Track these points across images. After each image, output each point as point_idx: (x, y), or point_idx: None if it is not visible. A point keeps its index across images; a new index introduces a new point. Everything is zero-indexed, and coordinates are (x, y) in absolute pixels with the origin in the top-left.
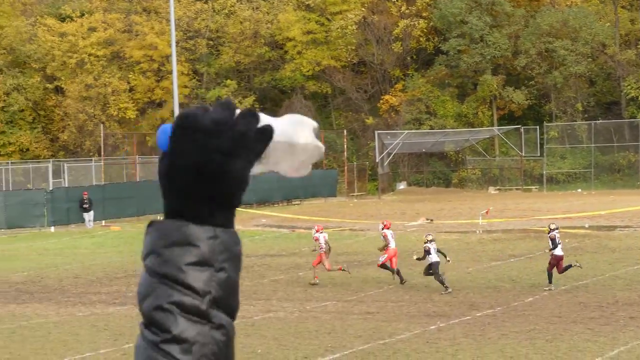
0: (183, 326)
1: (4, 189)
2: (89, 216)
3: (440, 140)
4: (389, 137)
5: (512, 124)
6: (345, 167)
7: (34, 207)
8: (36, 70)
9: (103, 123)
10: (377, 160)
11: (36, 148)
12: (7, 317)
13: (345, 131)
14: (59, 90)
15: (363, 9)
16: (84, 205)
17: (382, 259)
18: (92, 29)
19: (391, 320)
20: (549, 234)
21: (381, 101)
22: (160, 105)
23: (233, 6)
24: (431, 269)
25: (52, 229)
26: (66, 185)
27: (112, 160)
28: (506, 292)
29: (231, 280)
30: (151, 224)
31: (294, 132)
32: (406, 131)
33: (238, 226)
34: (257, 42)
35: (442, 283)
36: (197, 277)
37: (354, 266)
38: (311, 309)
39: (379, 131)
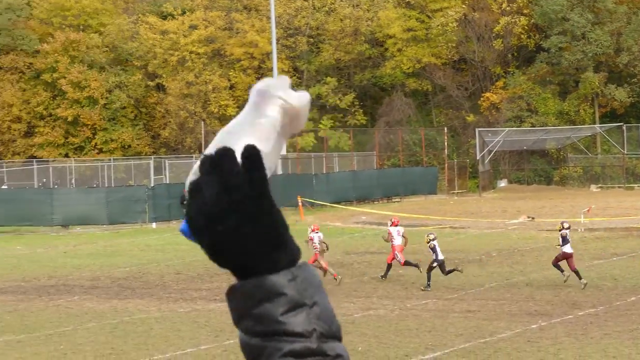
0: None
1: (106, 185)
2: None
3: (541, 138)
4: (489, 134)
5: (614, 121)
6: (446, 165)
7: (136, 203)
8: (138, 67)
9: (204, 120)
10: (477, 158)
11: (138, 145)
12: (109, 312)
13: (445, 129)
14: (160, 87)
15: (463, 6)
16: (184, 202)
17: (400, 257)
18: (193, 27)
19: (492, 318)
20: (560, 231)
21: (482, 98)
22: None
23: (333, 3)
24: (434, 265)
25: (154, 225)
26: (167, 182)
27: None
28: (608, 291)
29: (326, 309)
30: (230, 291)
31: (261, 115)
32: (507, 129)
33: (338, 223)
34: (357, 40)
35: (447, 272)
36: (297, 322)
37: (454, 264)
38: (411, 307)
39: (480, 129)
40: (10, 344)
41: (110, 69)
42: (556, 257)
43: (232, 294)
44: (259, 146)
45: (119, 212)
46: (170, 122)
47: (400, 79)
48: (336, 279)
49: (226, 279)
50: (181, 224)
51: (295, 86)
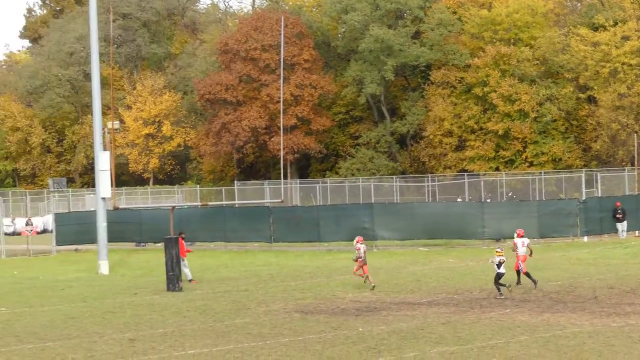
0: None
1: (537, 198)
2: (622, 226)
3: None
4: None
5: None
6: None
7: (567, 216)
8: (569, 80)
9: (636, 132)
10: None
11: (569, 158)
12: (541, 325)
13: None
14: (591, 99)
15: None
16: (617, 215)
17: (522, 267)
18: (626, 38)
19: None
20: None
21: None
22: None
23: None
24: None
25: (585, 238)
26: (599, 195)
27: None
28: None
29: None
30: None
31: None
32: None
33: None
34: None
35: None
36: None
37: None
38: None
39: None
40: (444, 355)
41: (541, 82)
42: None
43: None
44: None
45: (550, 226)
46: (601, 134)
47: None
48: (373, 286)
49: None
50: None
51: None
